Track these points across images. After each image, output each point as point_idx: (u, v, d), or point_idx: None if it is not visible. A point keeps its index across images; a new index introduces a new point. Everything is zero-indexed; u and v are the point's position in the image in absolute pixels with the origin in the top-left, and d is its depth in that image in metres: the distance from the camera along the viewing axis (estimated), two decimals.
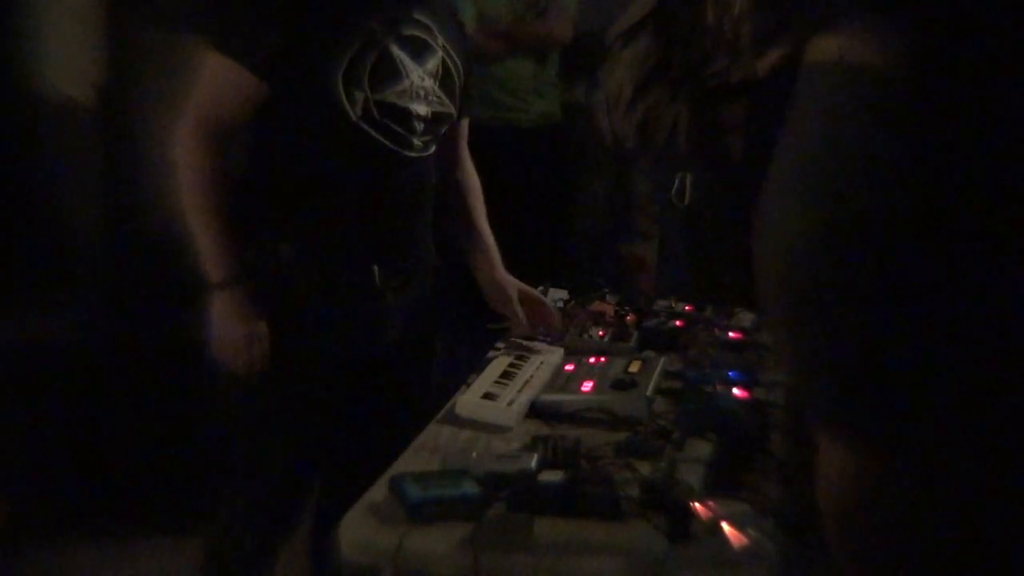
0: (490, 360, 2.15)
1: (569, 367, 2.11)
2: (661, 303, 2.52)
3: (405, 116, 1.95)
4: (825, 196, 1.02)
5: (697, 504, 1.50)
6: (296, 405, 1.99)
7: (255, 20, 1.85)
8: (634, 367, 2.05)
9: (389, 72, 1.92)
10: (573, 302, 2.52)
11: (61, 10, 2.99)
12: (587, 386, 1.98)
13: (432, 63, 2.00)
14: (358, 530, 1.52)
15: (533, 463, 1.64)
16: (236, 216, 1.89)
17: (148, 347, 2.95)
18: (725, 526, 1.47)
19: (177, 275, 2.00)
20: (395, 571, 1.47)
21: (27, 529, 2.84)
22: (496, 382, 2.00)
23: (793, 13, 1.10)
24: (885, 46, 0.99)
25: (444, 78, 2.03)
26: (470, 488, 1.57)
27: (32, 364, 2.90)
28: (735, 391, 1.91)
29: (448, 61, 2.04)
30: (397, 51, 1.93)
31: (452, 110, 2.06)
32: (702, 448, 1.70)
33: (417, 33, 1.97)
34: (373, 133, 1.91)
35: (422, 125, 1.98)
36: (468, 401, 1.93)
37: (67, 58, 2.99)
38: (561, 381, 2.03)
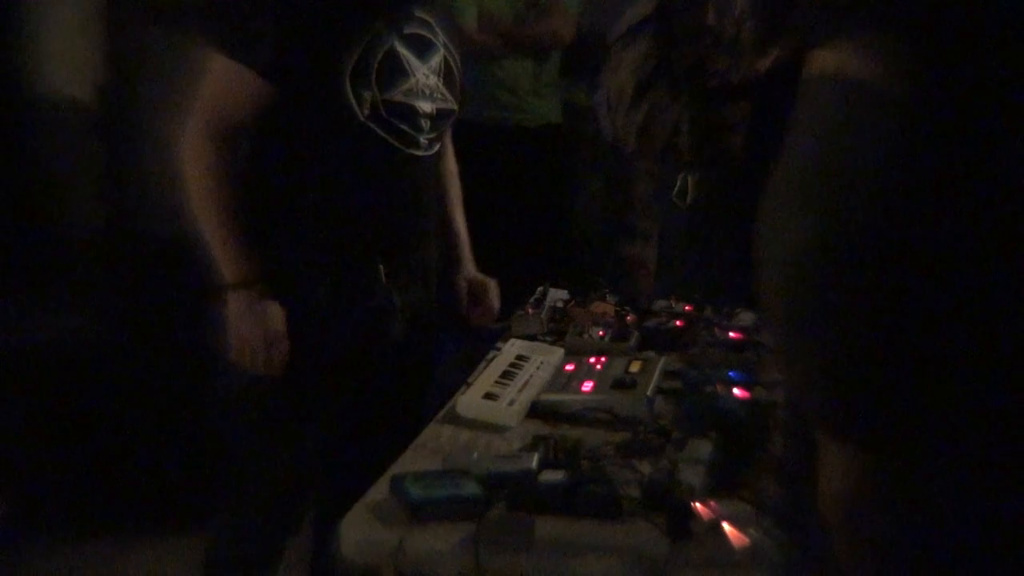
0: (490, 360, 2.15)
1: (569, 367, 2.11)
2: (661, 303, 2.52)
3: (412, 114, 1.95)
4: (823, 208, 1.03)
5: (697, 504, 1.50)
6: (300, 403, 1.99)
7: (260, 22, 1.85)
8: (634, 367, 2.05)
9: (395, 71, 1.92)
10: (573, 302, 2.52)
11: (61, 10, 2.99)
12: (587, 386, 1.98)
13: (435, 60, 2.00)
14: (358, 530, 1.52)
15: (533, 463, 1.64)
16: (245, 216, 1.89)
17: (151, 347, 2.95)
18: (725, 526, 1.47)
19: (185, 276, 2.00)
20: (395, 571, 1.47)
21: (27, 529, 2.84)
22: (496, 382, 2.00)
23: (794, 13, 1.11)
24: (884, 61, 0.99)
25: (447, 74, 2.03)
26: (470, 488, 1.57)
27: (32, 364, 2.90)
28: (735, 391, 1.91)
29: (449, 57, 2.04)
30: (402, 49, 1.94)
31: (455, 106, 2.07)
32: (702, 448, 1.70)
33: (419, 31, 1.98)
34: (380, 132, 1.92)
35: (428, 123, 1.98)
36: (468, 401, 1.93)
37: (67, 58, 2.99)
38: (561, 381, 2.03)
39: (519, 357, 2.14)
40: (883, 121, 0.99)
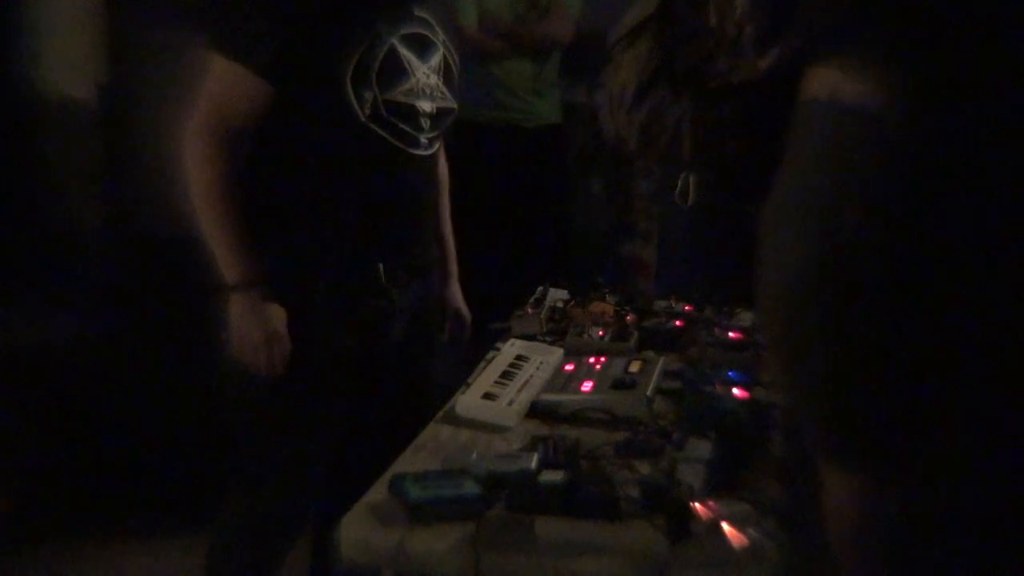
0: (490, 360, 2.15)
1: (569, 367, 2.11)
2: (661, 303, 2.52)
3: (412, 114, 1.95)
4: (819, 234, 1.03)
5: (697, 504, 1.50)
6: (301, 403, 1.99)
7: (261, 23, 1.85)
8: (634, 367, 2.05)
9: (396, 71, 1.92)
10: (573, 302, 2.52)
11: (61, 10, 2.99)
12: (587, 386, 1.98)
13: (435, 59, 2.01)
14: (358, 530, 1.52)
15: (533, 463, 1.64)
16: (246, 216, 1.89)
17: (151, 347, 2.95)
18: (725, 526, 1.47)
19: (186, 276, 2.00)
20: (395, 571, 1.47)
21: (28, 529, 2.84)
22: (496, 382, 2.00)
23: (795, 14, 1.11)
24: (877, 86, 0.99)
25: (446, 73, 2.04)
26: (470, 488, 1.57)
27: (32, 364, 2.90)
28: (735, 391, 1.91)
29: (448, 56, 2.05)
30: (402, 49, 1.94)
31: (455, 105, 2.07)
32: (702, 448, 1.70)
33: (419, 30, 1.98)
34: (381, 132, 1.92)
35: (428, 122, 1.99)
36: (468, 401, 1.93)
37: (67, 58, 2.99)
38: (561, 381, 2.03)
39: (519, 357, 2.14)
40: (878, 145, 1.00)
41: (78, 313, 2.99)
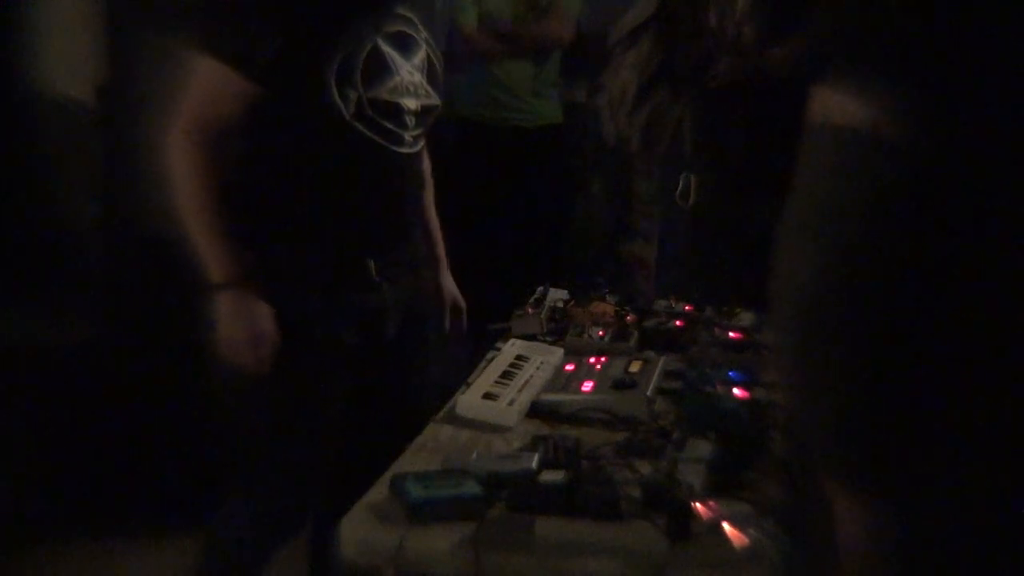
0: (490, 360, 2.16)
1: (569, 367, 2.11)
2: (661, 303, 2.52)
3: (397, 112, 1.96)
4: (833, 249, 1.03)
5: (697, 504, 1.51)
6: (295, 401, 1.99)
7: (246, 23, 1.85)
8: (634, 367, 2.06)
9: (380, 69, 1.93)
10: (573, 302, 2.52)
11: (61, 10, 2.99)
12: (587, 386, 1.98)
13: (418, 57, 2.02)
14: (358, 530, 1.52)
15: (533, 463, 1.64)
16: (234, 216, 1.89)
17: (150, 347, 2.95)
18: (725, 526, 1.47)
19: (180, 274, 2.00)
20: (395, 571, 1.47)
21: (25, 529, 2.84)
22: (496, 382, 2.00)
23: (795, 14, 1.11)
24: (881, 109, 1.00)
25: (429, 70, 2.05)
26: (470, 488, 1.57)
27: (31, 364, 2.90)
28: (735, 391, 1.91)
29: (431, 53, 2.06)
30: (386, 48, 1.95)
31: (439, 101, 2.08)
32: (702, 448, 1.71)
33: (402, 28, 2.00)
34: (366, 131, 1.92)
35: (413, 119, 2.00)
36: (468, 401, 1.93)
37: (67, 58, 2.99)
38: (561, 381, 2.03)
39: (519, 357, 2.14)
40: (884, 168, 1.00)
41: (78, 313, 2.98)
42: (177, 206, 1.88)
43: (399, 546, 1.46)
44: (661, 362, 2.11)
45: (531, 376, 2.05)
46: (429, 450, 1.79)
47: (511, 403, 1.92)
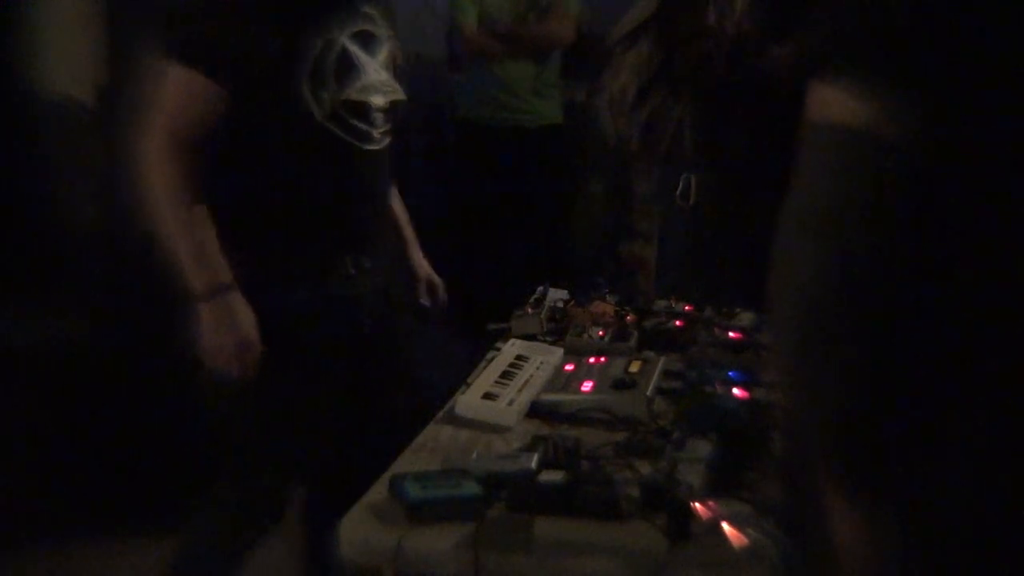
0: (490, 360, 2.15)
1: (569, 367, 2.11)
2: (661, 303, 2.52)
3: (366, 110, 1.99)
4: (831, 249, 1.03)
5: (697, 504, 1.51)
6: (280, 398, 1.99)
7: (217, 30, 1.86)
8: (634, 367, 2.05)
9: (349, 70, 1.96)
10: (573, 302, 2.52)
11: (61, 10, 2.99)
12: (587, 386, 1.98)
13: (383, 54, 2.04)
14: (358, 530, 1.52)
15: (533, 463, 1.64)
16: (213, 220, 1.90)
17: (146, 348, 2.95)
18: (725, 526, 1.47)
19: (173, 276, 2.00)
20: (395, 571, 1.47)
21: (23, 530, 2.84)
22: (496, 382, 2.00)
23: (795, 14, 1.11)
24: (881, 108, 1.00)
25: (394, 65, 2.06)
26: (470, 488, 1.57)
27: (29, 365, 2.90)
28: (735, 391, 1.92)
29: (394, 49, 2.07)
30: (353, 48, 1.97)
31: (405, 96, 2.10)
32: (702, 448, 1.71)
33: (367, 27, 2.02)
34: (338, 131, 1.95)
35: (381, 117, 2.02)
36: (468, 401, 1.93)
37: (67, 58, 2.99)
38: (561, 381, 2.03)
39: (519, 357, 2.14)
40: (884, 167, 1.00)
41: (77, 313, 2.98)
42: (158, 216, 1.88)
43: (398, 546, 1.46)
44: (661, 362, 2.11)
45: (531, 376, 2.05)
46: (429, 450, 1.79)
47: (511, 403, 1.92)
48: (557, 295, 2.55)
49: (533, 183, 4.07)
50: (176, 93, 1.87)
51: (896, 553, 1.06)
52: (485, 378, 2.02)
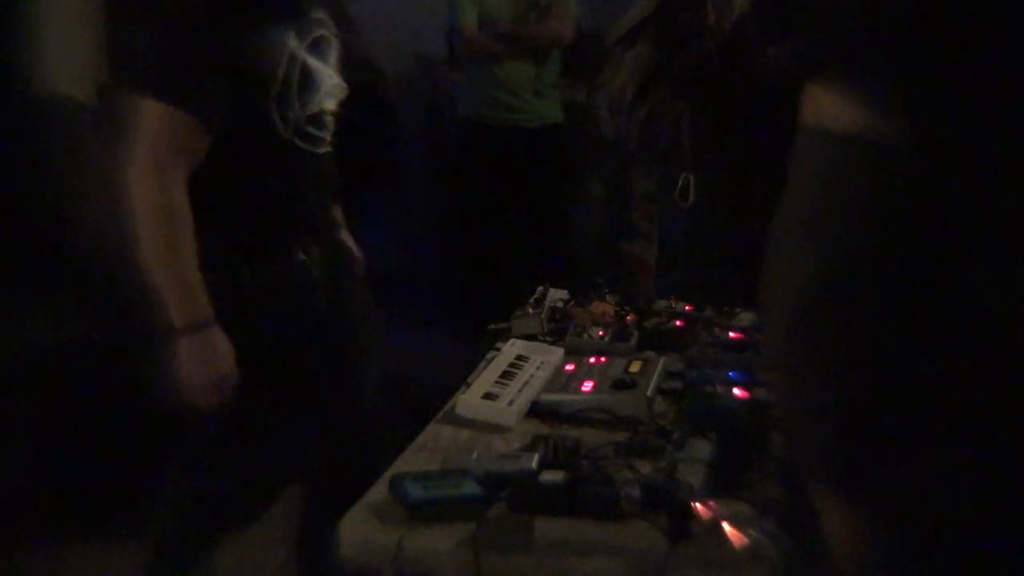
0: (490, 360, 2.16)
1: (569, 367, 2.11)
2: (661, 303, 2.52)
3: (322, 119, 2.03)
4: (822, 257, 1.03)
5: (697, 504, 1.51)
6: (250, 392, 1.99)
7: (190, 66, 1.86)
8: (634, 367, 2.05)
9: (310, 84, 1.98)
10: (573, 302, 2.52)
11: (61, 10, 2.99)
12: (587, 386, 1.98)
13: (333, 57, 2.06)
14: (358, 530, 1.52)
15: (533, 463, 1.64)
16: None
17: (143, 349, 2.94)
18: (725, 526, 1.47)
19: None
20: (395, 571, 1.47)
21: (20, 530, 2.84)
22: (496, 382, 2.00)
23: (794, 14, 1.11)
24: (876, 111, 1.00)
25: (339, 63, 2.08)
26: (470, 488, 1.57)
27: (28, 366, 2.90)
28: (735, 391, 1.91)
29: (339, 45, 2.08)
30: (312, 60, 1.99)
31: (347, 88, 2.11)
32: (702, 448, 1.71)
33: (320, 32, 2.02)
34: (301, 144, 1.98)
35: (331, 119, 2.05)
36: (468, 401, 1.93)
37: (67, 58, 2.99)
38: (561, 381, 2.03)
39: (519, 357, 2.14)
40: (880, 171, 1.00)
41: (76, 313, 2.98)
42: (137, 253, 1.88)
43: (399, 546, 1.46)
44: (661, 362, 2.11)
45: (531, 376, 2.05)
46: (429, 450, 1.79)
47: (511, 403, 1.92)
48: (557, 295, 2.55)
49: (533, 183, 4.08)
50: (155, 129, 1.86)
51: (891, 554, 1.06)
52: (485, 378, 2.02)
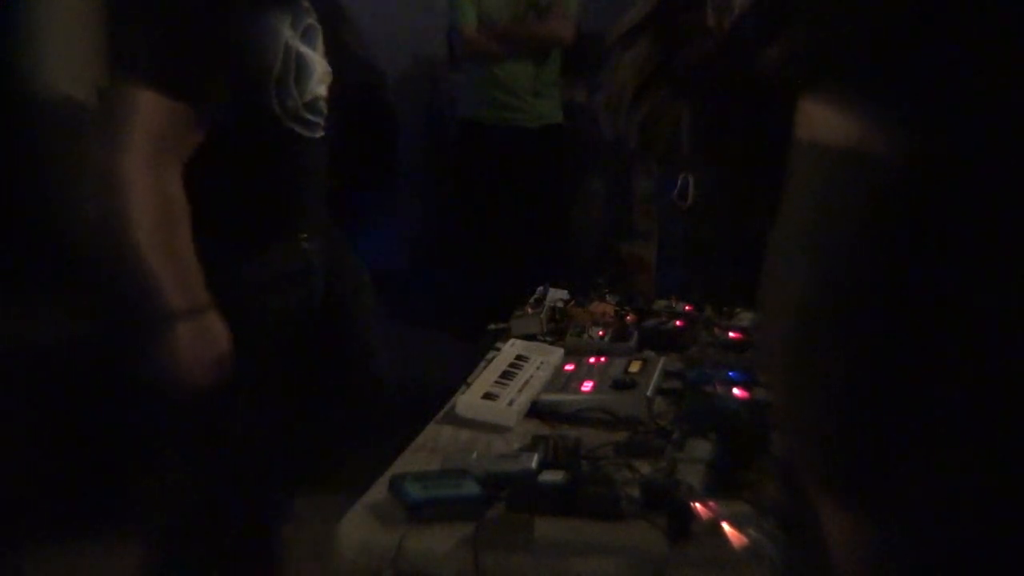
0: (490, 360, 2.16)
1: (569, 367, 2.11)
2: (661, 303, 2.52)
3: (317, 105, 2.05)
4: (823, 263, 1.03)
5: (697, 504, 1.51)
6: (239, 372, 1.99)
7: (187, 56, 1.87)
8: (634, 367, 2.05)
9: (305, 72, 2.01)
10: (573, 302, 2.52)
11: (61, 10, 2.99)
12: (587, 386, 1.98)
13: (320, 43, 2.08)
14: (357, 530, 1.52)
15: (533, 463, 1.64)
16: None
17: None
18: (725, 526, 1.47)
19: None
20: (395, 571, 1.47)
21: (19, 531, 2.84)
22: (496, 382, 2.00)
23: (794, 14, 1.11)
24: (873, 127, 1.00)
25: (326, 49, 2.10)
26: (470, 488, 1.57)
27: (29, 364, 2.90)
28: (735, 391, 1.91)
29: (325, 31, 2.09)
30: (304, 49, 2.01)
31: (335, 74, 2.12)
32: (702, 448, 1.71)
33: (308, 21, 2.04)
34: (299, 130, 2.01)
35: (324, 104, 2.07)
36: (468, 401, 1.93)
37: (67, 58, 2.99)
38: (561, 381, 2.03)
39: (519, 357, 2.14)
40: (874, 182, 1.00)
41: (76, 313, 2.98)
42: (135, 235, 1.87)
43: (398, 546, 1.46)
44: (661, 362, 2.11)
45: (531, 376, 2.05)
46: (429, 450, 1.79)
47: (511, 403, 1.92)
48: (557, 295, 2.55)
49: (533, 183, 4.08)
50: (152, 121, 1.86)
51: (891, 555, 1.06)
52: (485, 378, 2.02)
